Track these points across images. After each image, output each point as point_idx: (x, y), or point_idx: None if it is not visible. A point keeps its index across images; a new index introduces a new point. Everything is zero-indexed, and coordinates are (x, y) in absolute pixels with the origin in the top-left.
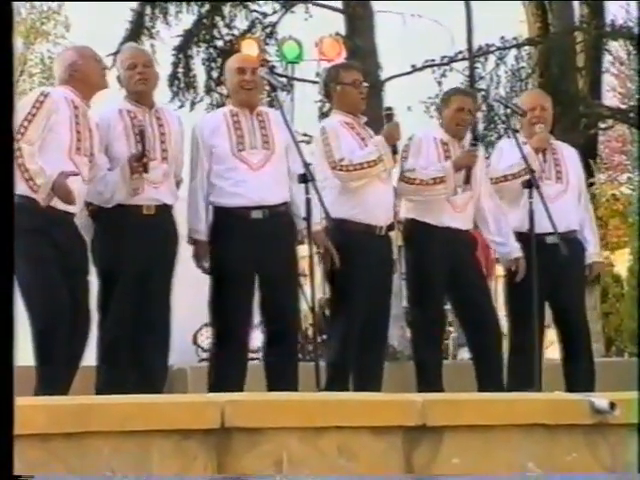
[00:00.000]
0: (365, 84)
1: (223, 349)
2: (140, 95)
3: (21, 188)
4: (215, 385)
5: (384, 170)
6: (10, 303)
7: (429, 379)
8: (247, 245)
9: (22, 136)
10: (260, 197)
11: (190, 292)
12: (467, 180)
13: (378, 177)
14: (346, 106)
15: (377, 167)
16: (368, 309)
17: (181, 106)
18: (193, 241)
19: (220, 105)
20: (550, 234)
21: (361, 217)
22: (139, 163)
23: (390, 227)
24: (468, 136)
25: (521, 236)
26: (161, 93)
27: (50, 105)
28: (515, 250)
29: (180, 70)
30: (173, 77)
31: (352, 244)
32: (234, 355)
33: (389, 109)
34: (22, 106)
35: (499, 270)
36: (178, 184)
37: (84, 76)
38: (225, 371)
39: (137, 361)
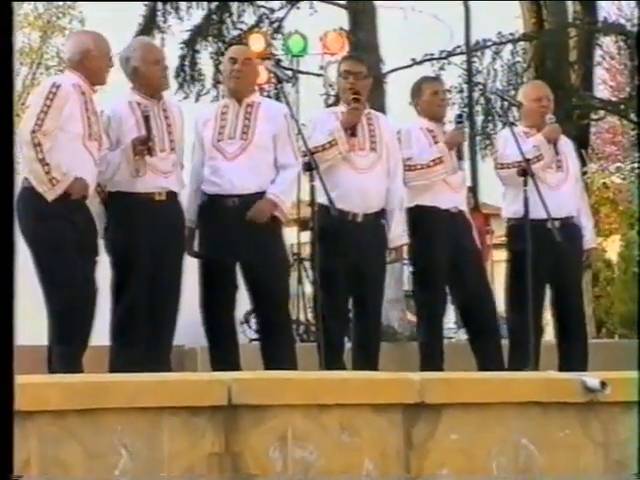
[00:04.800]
0: (361, 75)
1: (210, 331)
2: (156, 90)
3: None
4: (212, 364)
5: (339, 153)
6: (10, 306)
7: (432, 360)
8: (221, 232)
9: (39, 127)
10: (232, 186)
11: None
12: (460, 157)
13: (351, 165)
14: (342, 96)
15: (329, 151)
16: (354, 293)
17: (185, 97)
18: (187, 228)
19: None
20: (550, 219)
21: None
22: (144, 146)
23: (379, 214)
24: (450, 120)
25: (523, 221)
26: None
27: (63, 96)
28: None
29: (186, 63)
30: (180, 69)
31: (325, 229)
32: (219, 336)
33: (356, 93)
34: (35, 98)
35: (495, 255)
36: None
37: (93, 67)
38: (215, 351)
39: (146, 341)
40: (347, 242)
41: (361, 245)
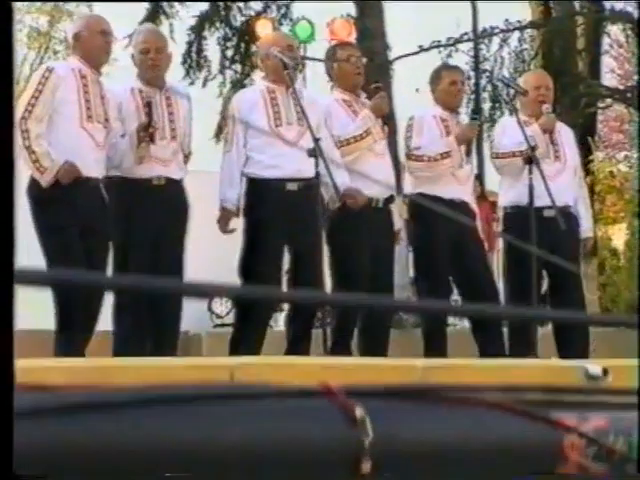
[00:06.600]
0: (363, 59)
1: (249, 315)
2: (151, 78)
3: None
4: (236, 348)
5: (374, 142)
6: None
7: (435, 346)
8: (281, 216)
9: (30, 114)
10: (296, 170)
11: (205, 260)
12: (468, 152)
13: (371, 151)
14: (343, 83)
15: (365, 140)
16: (369, 277)
17: (191, 83)
18: (222, 208)
19: (235, 82)
20: (547, 208)
21: None
22: (146, 133)
23: (389, 200)
24: (465, 111)
25: (520, 209)
26: (174, 70)
27: (55, 80)
28: None
29: (193, 49)
30: (187, 55)
31: (350, 216)
32: (259, 322)
33: (376, 82)
34: (30, 84)
35: (501, 244)
36: (187, 157)
37: (86, 48)
38: (248, 338)
39: (150, 326)
40: (368, 228)
41: (380, 230)
